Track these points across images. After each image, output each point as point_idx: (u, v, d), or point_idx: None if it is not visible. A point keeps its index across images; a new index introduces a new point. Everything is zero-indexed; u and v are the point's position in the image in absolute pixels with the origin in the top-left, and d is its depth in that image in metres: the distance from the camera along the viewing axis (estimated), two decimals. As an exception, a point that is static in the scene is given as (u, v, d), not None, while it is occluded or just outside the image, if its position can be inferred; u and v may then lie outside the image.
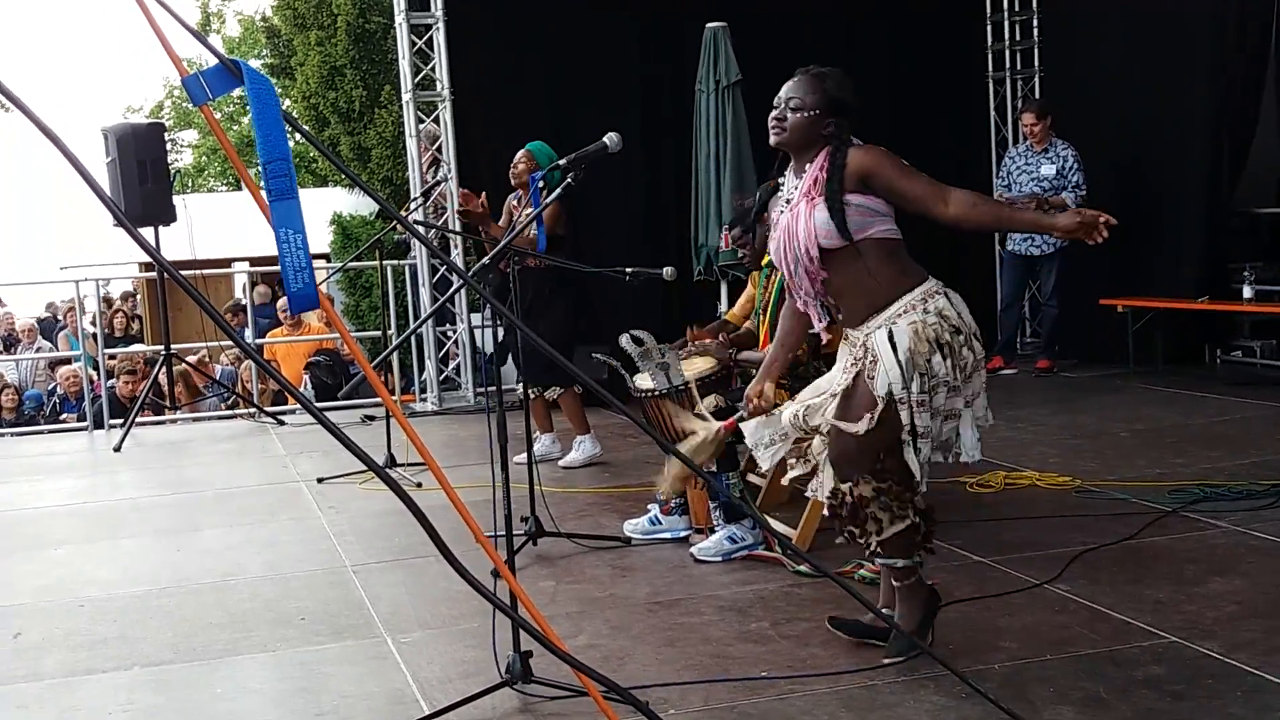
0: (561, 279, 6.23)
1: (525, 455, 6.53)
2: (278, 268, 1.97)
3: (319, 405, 9.79)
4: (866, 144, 3.42)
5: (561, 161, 4.57)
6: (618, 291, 6.28)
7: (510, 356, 6.36)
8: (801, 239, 3.41)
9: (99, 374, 9.35)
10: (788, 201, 3.52)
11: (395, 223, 8.99)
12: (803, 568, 4.36)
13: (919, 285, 3.39)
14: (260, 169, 1.91)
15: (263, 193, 1.91)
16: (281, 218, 1.90)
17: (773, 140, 3.50)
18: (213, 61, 1.97)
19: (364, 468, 6.32)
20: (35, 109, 1.82)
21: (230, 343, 10.57)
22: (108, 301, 11.07)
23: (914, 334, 3.32)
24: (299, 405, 9.08)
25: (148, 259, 8.08)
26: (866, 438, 3.36)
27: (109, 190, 7.69)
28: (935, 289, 3.40)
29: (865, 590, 4.04)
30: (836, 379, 3.51)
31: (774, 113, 3.48)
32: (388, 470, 6.61)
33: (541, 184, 5.54)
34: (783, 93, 3.48)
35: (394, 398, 9.24)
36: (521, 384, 5.37)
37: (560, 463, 6.55)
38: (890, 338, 3.33)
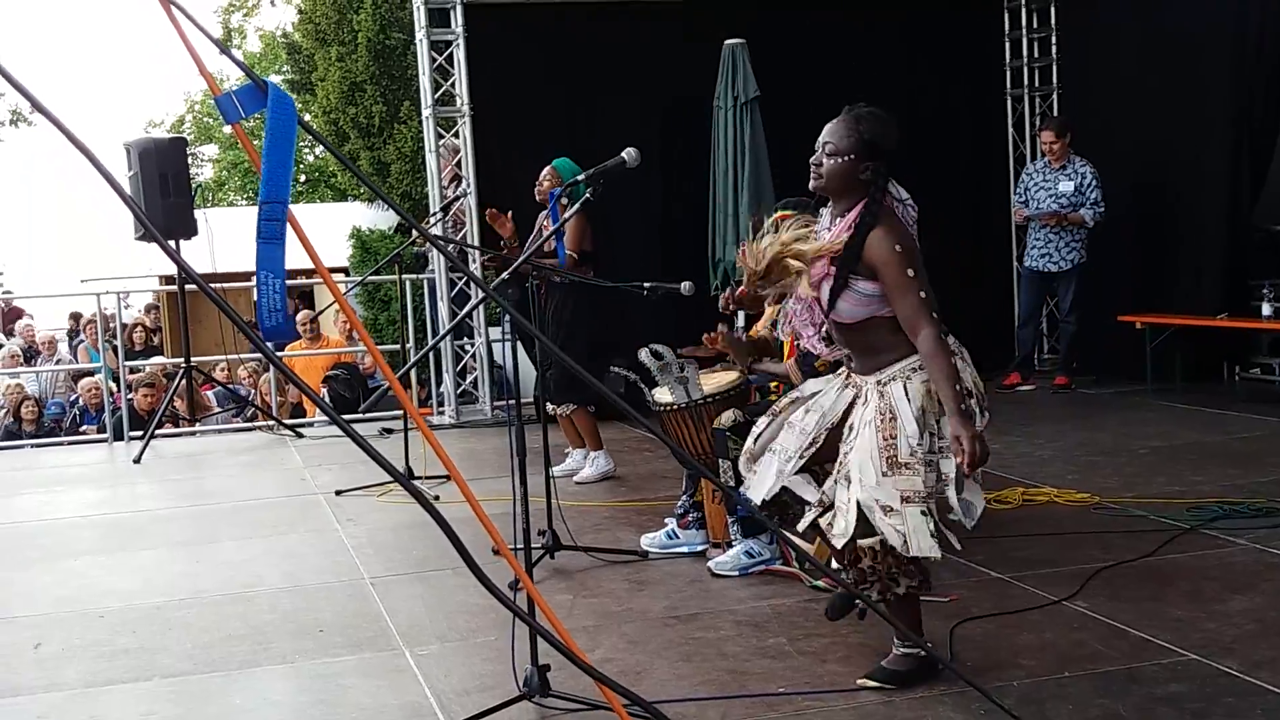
0: (586, 293, 6.24)
1: (560, 467, 6.62)
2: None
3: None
4: (893, 225, 3.32)
5: (580, 177, 4.60)
6: (635, 306, 6.30)
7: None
8: (814, 298, 3.40)
9: (119, 386, 9.41)
10: None
11: (415, 236, 9.03)
12: (820, 582, 4.35)
13: None
14: (258, 206, 1.95)
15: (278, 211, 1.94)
16: (264, 260, 1.94)
17: (811, 185, 3.46)
18: (236, 76, 2.00)
19: (382, 480, 6.33)
20: (65, 124, 1.84)
21: (248, 357, 10.62)
22: (77, 318, 11.13)
23: (926, 393, 3.29)
24: (316, 418, 9.12)
25: (166, 272, 8.13)
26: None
27: (130, 204, 7.75)
28: (953, 345, 3.35)
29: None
30: (826, 405, 3.49)
31: (813, 157, 3.42)
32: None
33: (564, 200, 5.56)
34: (822, 135, 3.42)
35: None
36: (536, 399, 5.38)
37: (574, 478, 6.57)
38: (905, 392, 3.30)
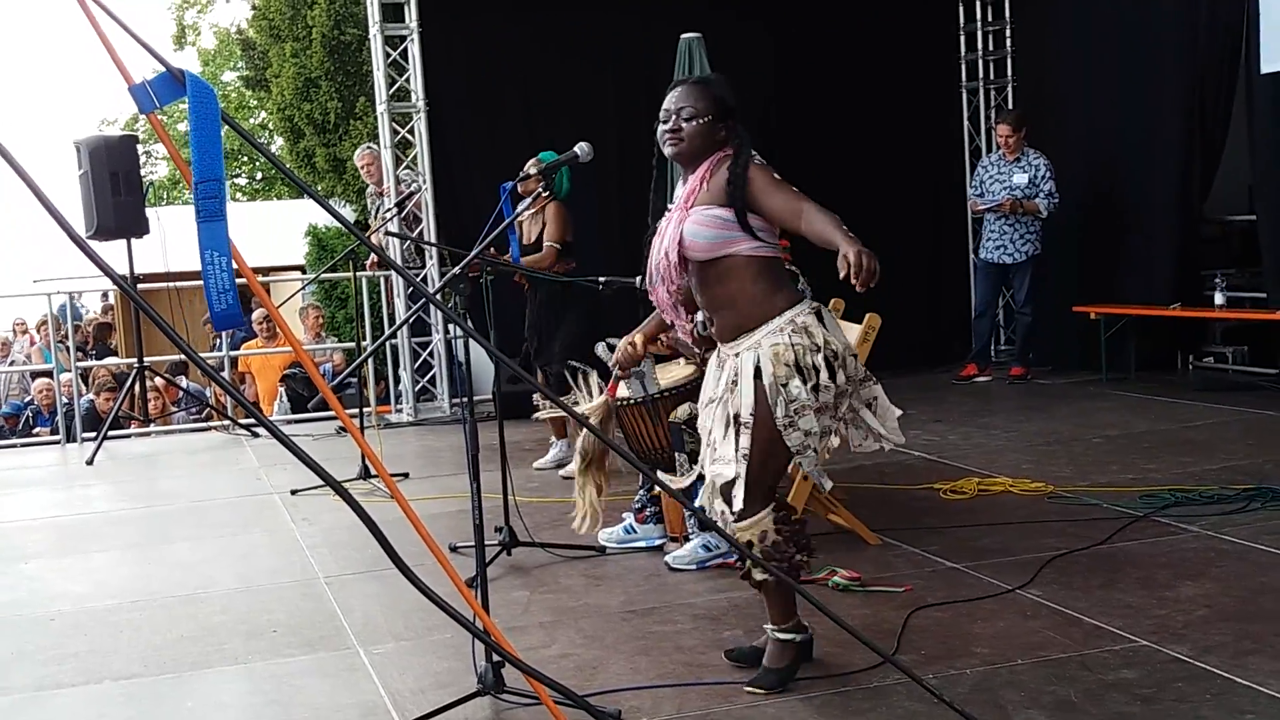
0: (570, 288, 6.19)
1: (543, 460, 6.62)
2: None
3: (295, 417, 9.71)
4: (764, 164, 3.36)
5: (532, 171, 4.60)
6: (591, 300, 6.28)
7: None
8: (666, 245, 3.41)
9: (73, 387, 9.29)
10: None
11: (367, 234, 8.96)
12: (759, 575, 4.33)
13: (790, 307, 3.33)
14: (193, 187, 1.91)
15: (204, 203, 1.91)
16: (208, 240, 1.90)
17: (669, 152, 3.46)
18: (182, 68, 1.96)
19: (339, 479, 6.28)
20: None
21: (207, 355, 10.52)
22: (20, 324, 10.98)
23: (774, 357, 3.27)
24: (274, 417, 9.05)
25: (123, 271, 8.03)
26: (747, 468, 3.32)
27: (81, 202, 7.64)
28: (806, 309, 3.33)
29: (838, 598, 4.06)
30: (710, 391, 3.49)
31: (666, 125, 3.42)
32: (361, 481, 6.57)
33: (544, 192, 5.51)
34: (670, 104, 3.42)
35: (371, 409, 9.20)
36: (494, 395, 5.36)
37: (560, 472, 6.51)
38: (755, 361, 3.30)
